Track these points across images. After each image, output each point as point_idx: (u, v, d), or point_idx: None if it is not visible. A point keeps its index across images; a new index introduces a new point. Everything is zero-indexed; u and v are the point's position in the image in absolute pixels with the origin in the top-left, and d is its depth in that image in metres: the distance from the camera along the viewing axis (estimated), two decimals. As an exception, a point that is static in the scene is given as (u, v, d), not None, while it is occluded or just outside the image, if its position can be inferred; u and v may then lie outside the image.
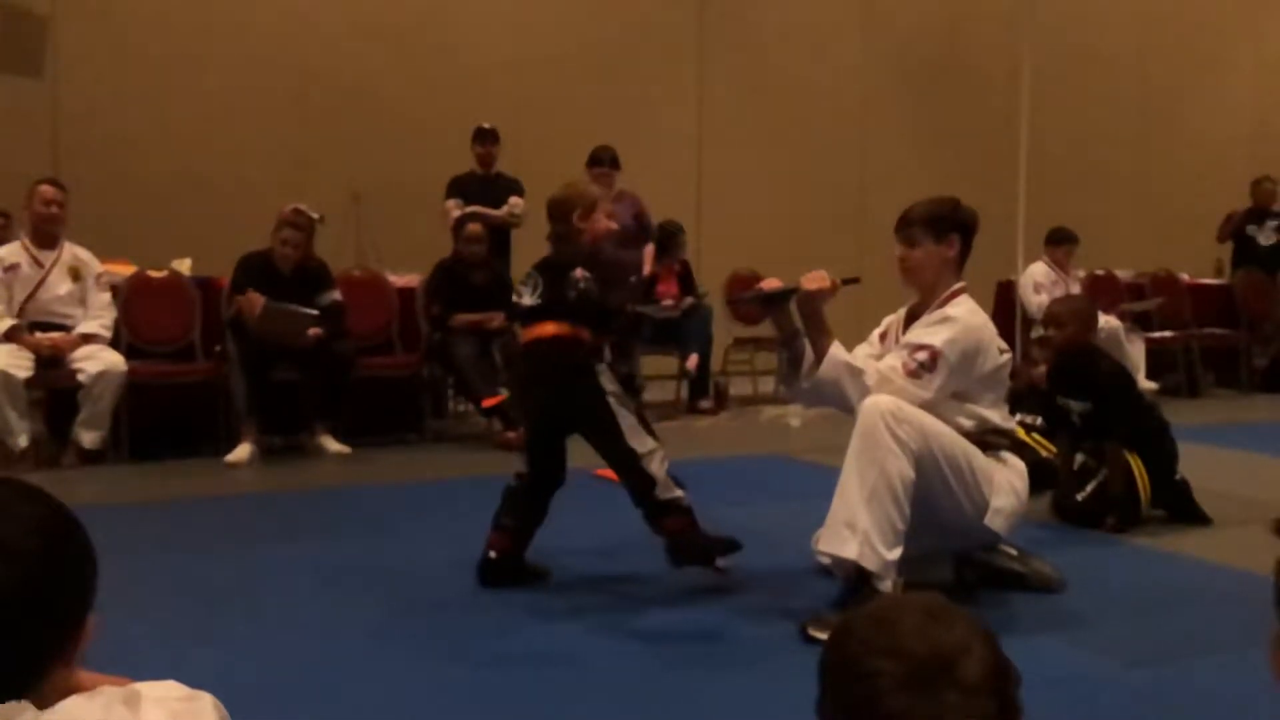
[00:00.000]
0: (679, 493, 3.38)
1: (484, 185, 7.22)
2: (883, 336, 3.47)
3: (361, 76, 8.60)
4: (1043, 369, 4.65)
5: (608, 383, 3.40)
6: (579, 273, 3.38)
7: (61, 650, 1.13)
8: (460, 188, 7.25)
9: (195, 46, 8.25)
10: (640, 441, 3.38)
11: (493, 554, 3.49)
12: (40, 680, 1.10)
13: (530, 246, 7.33)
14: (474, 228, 6.64)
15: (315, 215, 6.29)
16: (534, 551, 3.57)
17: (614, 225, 3.67)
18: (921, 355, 3.13)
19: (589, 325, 3.40)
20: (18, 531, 1.10)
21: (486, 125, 7.38)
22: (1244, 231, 9.57)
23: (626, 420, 3.38)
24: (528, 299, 3.46)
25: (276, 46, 8.45)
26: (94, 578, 1.17)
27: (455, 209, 7.11)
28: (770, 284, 3.27)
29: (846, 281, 3.22)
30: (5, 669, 1.08)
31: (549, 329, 3.40)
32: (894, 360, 3.17)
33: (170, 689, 1.22)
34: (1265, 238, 9.45)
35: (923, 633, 1.05)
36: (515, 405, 5.46)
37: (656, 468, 3.36)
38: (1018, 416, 4.23)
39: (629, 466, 3.38)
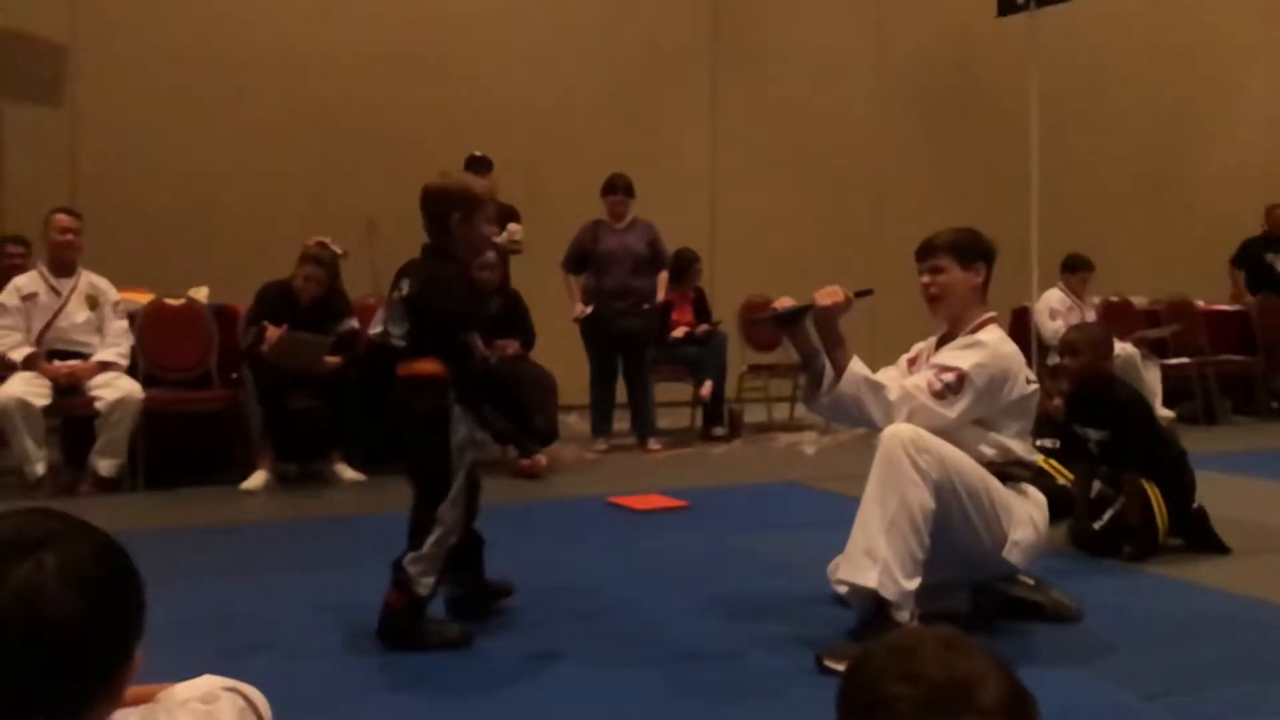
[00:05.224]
0: (428, 581, 3.14)
1: None
2: (911, 362, 3.45)
3: (378, 106, 8.67)
4: (1058, 402, 4.62)
5: (460, 432, 3.14)
6: (480, 346, 3.13)
7: (112, 682, 1.10)
8: None
9: (212, 76, 8.34)
10: (445, 510, 3.13)
11: (452, 592, 3.40)
12: (90, 713, 1.08)
13: (530, 268, 7.41)
14: (489, 255, 6.64)
15: (339, 251, 6.30)
16: (552, 580, 3.58)
17: (497, 235, 3.28)
18: (948, 376, 3.12)
19: (479, 400, 3.15)
20: (85, 558, 1.07)
21: (478, 153, 7.33)
22: (1263, 260, 9.53)
23: (454, 479, 3.14)
24: (395, 336, 3.22)
25: (293, 77, 8.54)
26: (144, 609, 1.15)
27: None
28: (784, 302, 3.25)
29: (860, 294, 3.21)
30: (62, 700, 1.05)
31: (421, 367, 3.17)
32: (920, 379, 3.16)
33: (194, 689, 1.22)
34: None
35: (941, 660, 1.06)
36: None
37: (432, 543, 3.13)
38: (1035, 442, 4.21)
39: (419, 527, 3.15)
